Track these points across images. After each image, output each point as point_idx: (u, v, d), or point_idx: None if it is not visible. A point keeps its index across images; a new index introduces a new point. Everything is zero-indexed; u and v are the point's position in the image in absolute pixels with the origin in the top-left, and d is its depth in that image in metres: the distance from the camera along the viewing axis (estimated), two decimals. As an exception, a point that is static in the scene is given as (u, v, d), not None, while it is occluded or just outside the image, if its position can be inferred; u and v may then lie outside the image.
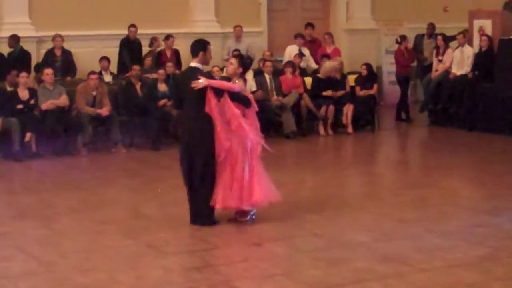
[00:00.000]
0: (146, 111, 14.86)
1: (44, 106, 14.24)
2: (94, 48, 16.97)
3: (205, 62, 9.42)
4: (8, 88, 14.58)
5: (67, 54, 16.48)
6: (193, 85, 9.01)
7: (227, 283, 7.26)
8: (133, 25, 16.88)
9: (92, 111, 14.43)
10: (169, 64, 16.23)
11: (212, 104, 9.08)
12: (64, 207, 10.49)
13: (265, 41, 19.13)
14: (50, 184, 12.15)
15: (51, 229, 9.36)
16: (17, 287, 7.30)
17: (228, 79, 9.57)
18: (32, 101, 14.24)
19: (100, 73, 15.55)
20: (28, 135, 13.89)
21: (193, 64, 9.36)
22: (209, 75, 9.50)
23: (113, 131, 14.63)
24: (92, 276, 7.57)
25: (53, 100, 14.34)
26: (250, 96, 9.58)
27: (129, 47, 16.97)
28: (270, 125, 15.87)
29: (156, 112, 14.83)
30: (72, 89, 14.91)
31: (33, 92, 14.38)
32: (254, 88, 15.99)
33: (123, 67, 16.63)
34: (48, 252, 8.41)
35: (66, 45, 16.49)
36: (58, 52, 16.39)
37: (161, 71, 15.52)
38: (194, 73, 9.22)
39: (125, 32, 16.95)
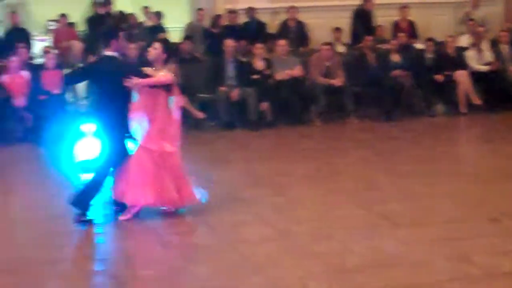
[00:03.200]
0: (379, 82, 14.78)
1: (279, 76, 14.50)
2: (327, 19, 17.05)
3: (119, 50, 8.84)
4: (243, 59, 14.96)
5: (300, 25, 16.69)
6: (128, 84, 8.37)
7: (465, 257, 7.08)
8: (369, -4, 16.80)
9: (325, 81, 14.55)
10: (402, 34, 16.06)
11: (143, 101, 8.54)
12: (298, 176, 10.64)
13: (502, 10, 18.49)
14: (284, 152, 12.39)
15: (285, 196, 9.50)
16: (254, 253, 7.47)
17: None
18: (267, 71, 14.53)
19: (333, 44, 15.63)
20: (264, 105, 14.21)
21: (108, 53, 8.71)
22: (136, 71, 8.74)
23: (346, 101, 14.69)
24: (327, 245, 7.59)
25: (288, 70, 14.57)
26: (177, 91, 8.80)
27: (362, 18, 16.93)
28: (506, 96, 15.36)
29: (389, 83, 14.72)
30: (305, 60, 15.11)
31: (268, 63, 14.67)
32: (490, 59, 15.53)
33: (356, 37, 16.62)
34: (283, 219, 8.52)
35: (300, 17, 16.69)
36: (292, 23, 16.62)
37: (394, 41, 15.41)
38: (119, 65, 8.71)
39: (357, 3, 16.90)
